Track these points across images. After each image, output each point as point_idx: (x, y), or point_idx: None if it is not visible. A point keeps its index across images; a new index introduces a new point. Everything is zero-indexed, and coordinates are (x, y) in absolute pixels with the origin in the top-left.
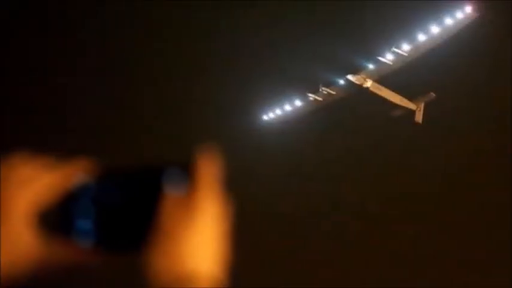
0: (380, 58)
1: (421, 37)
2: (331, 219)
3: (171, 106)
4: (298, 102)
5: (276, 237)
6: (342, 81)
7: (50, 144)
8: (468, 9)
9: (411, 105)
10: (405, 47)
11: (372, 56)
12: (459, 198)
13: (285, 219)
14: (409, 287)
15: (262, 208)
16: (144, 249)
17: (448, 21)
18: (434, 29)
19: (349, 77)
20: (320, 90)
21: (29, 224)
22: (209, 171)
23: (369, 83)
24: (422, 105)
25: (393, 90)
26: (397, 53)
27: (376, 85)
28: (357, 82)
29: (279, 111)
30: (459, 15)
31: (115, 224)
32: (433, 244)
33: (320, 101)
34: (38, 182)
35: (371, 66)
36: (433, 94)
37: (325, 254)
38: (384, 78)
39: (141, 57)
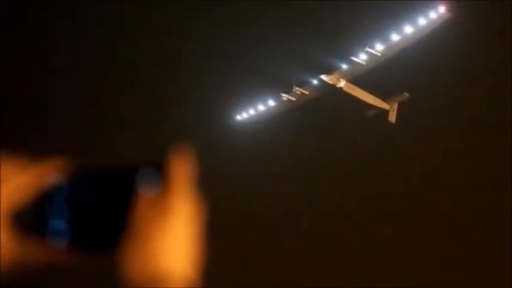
0: (353, 58)
1: (395, 37)
2: (306, 219)
3: (145, 106)
4: (271, 102)
5: (250, 237)
6: (315, 81)
7: (23, 145)
8: (441, 9)
9: (384, 105)
10: (379, 47)
11: (345, 56)
12: (433, 197)
13: (259, 219)
14: (384, 286)
15: (236, 208)
16: (118, 249)
17: (422, 21)
18: (408, 29)
19: (323, 77)
20: (293, 90)
21: (3, 224)
22: (183, 171)
23: (342, 83)
24: (395, 105)
25: (367, 90)
26: (371, 53)
27: (350, 85)
28: (331, 82)
29: (253, 111)
30: (432, 15)
31: (89, 224)
32: (407, 243)
33: (293, 101)
34: (11, 182)
35: (344, 66)
36: (406, 94)
37: (300, 253)
38: (358, 78)
39: (116, 58)
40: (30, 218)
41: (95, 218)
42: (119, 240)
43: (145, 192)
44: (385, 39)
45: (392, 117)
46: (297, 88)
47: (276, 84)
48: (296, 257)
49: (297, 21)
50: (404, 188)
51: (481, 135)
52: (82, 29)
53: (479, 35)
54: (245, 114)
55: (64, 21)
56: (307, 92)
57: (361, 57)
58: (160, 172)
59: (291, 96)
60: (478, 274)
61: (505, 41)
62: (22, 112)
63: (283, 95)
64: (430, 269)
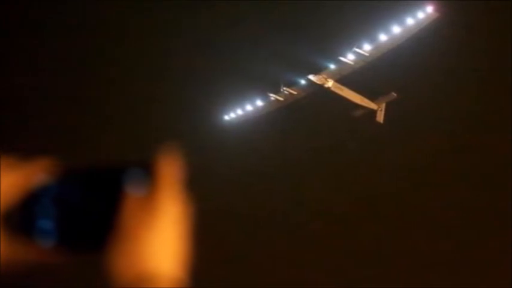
0: (341, 58)
1: (382, 37)
2: (293, 219)
3: (132, 106)
4: (259, 102)
5: (237, 237)
6: (303, 81)
7: (11, 145)
8: (429, 9)
9: (372, 105)
10: (366, 47)
11: (333, 56)
12: (422, 196)
13: (246, 219)
14: (374, 286)
15: (224, 207)
16: (105, 249)
17: (409, 21)
18: (396, 29)
19: (311, 77)
20: (281, 90)
21: None
22: (170, 171)
23: (330, 83)
24: (383, 105)
25: (355, 90)
26: (359, 53)
27: (338, 85)
28: (318, 82)
29: (240, 111)
30: (420, 15)
31: (76, 224)
32: (396, 242)
33: (281, 101)
34: (0, 182)
35: (332, 66)
36: (394, 94)
37: (288, 253)
38: (346, 78)
39: (103, 57)
40: (18, 218)
41: (82, 218)
42: (106, 240)
43: (133, 192)
44: (373, 39)
45: (380, 117)
46: (285, 88)
47: (264, 84)
48: (284, 256)
49: (285, 21)
50: (392, 188)
51: (469, 134)
52: (70, 29)
53: (467, 35)
54: (233, 114)
55: (51, 21)
56: (295, 92)
57: (349, 57)
58: (148, 172)
59: (279, 96)
60: (469, 273)
61: (492, 41)
62: (9, 112)
63: (271, 95)
64: (419, 268)
